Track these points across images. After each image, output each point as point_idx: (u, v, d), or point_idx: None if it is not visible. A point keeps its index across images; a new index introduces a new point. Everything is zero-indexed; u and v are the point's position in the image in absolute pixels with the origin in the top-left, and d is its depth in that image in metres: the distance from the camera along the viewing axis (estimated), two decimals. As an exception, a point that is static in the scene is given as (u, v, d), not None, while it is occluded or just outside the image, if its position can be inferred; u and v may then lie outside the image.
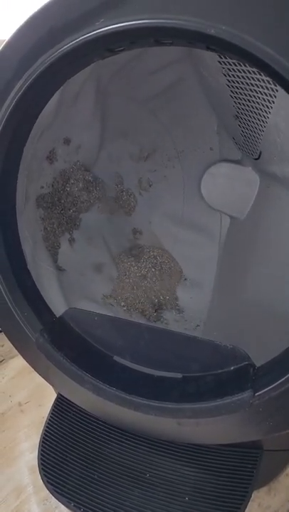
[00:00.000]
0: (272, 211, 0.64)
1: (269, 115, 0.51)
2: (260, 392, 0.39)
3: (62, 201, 0.66)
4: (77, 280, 0.65)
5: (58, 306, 0.54)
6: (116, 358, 0.49)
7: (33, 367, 0.52)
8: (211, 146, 0.73)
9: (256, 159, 0.63)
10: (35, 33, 0.35)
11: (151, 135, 0.74)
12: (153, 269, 0.74)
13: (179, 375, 0.46)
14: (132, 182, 0.78)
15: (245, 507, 0.45)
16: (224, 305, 0.70)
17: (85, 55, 0.36)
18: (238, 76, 0.50)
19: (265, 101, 0.50)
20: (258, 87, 0.48)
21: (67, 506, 0.49)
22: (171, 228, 0.79)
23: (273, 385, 0.38)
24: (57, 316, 0.50)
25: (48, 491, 0.51)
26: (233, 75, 0.51)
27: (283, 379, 0.37)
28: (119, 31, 0.33)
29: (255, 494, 0.60)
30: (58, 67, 0.35)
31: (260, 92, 0.49)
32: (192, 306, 0.74)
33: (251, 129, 0.58)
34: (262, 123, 0.54)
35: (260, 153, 0.61)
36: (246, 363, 0.43)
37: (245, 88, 0.51)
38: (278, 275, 0.60)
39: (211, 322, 0.70)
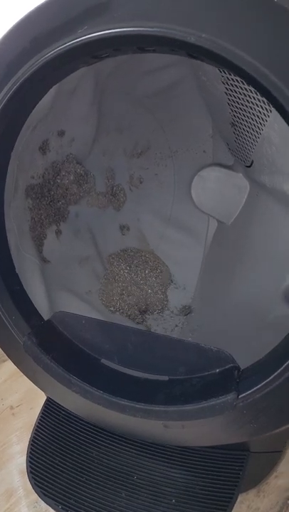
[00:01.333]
0: (259, 219, 0.65)
1: (263, 127, 0.52)
2: (244, 394, 0.39)
3: (52, 193, 0.66)
4: (60, 272, 0.65)
5: (39, 298, 0.54)
6: (103, 360, 0.49)
7: (21, 370, 0.53)
8: (205, 149, 0.73)
9: (248, 167, 0.64)
10: (20, 41, 0.36)
11: (147, 132, 0.75)
12: (144, 275, 0.75)
13: (166, 378, 0.47)
14: (123, 178, 0.78)
15: (232, 508, 0.46)
16: (207, 307, 0.71)
17: (69, 62, 0.37)
18: (236, 86, 0.51)
19: (260, 113, 0.50)
20: (255, 99, 0.49)
21: (55, 509, 0.49)
22: (159, 226, 0.80)
23: (256, 387, 0.38)
24: (44, 319, 0.50)
25: (37, 494, 0.52)
26: (231, 84, 0.51)
27: (266, 381, 0.38)
28: (101, 39, 0.34)
29: (244, 496, 0.60)
30: (42, 75, 0.36)
31: (256, 104, 0.50)
32: (174, 305, 0.75)
33: (245, 137, 0.59)
34: (256, 134, 0.55)
35: (252, 161, 0.62)
36: (231, 365, 0.43)
37: (243, 98, 0.52)
38: (262, 282, 0.61)
39: (193, 323, 0.70)
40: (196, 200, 0.75)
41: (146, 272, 0.75)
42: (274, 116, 0.48)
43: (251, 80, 0.32)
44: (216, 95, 0.57)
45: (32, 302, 0.50)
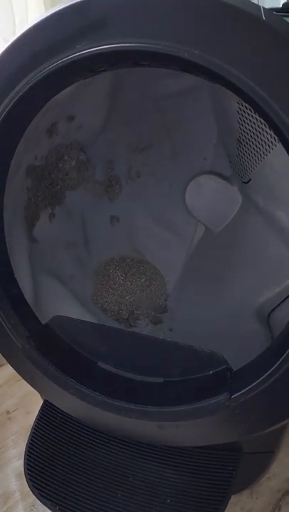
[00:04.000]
0: (245, 235, 0.67)
1: (268, 154, 0.54)
2: (236, 395, 0.41)
3: (53, 176, 0.67)
4: (46, 254, 0.65)
5: (24, 279, 0.55)
6: (100, 363, 0.50)
7: (19, 373, 0.54)
8: (206, 156, 0.74)
9: (245, 183, 0.66)
10: (19, 55, 0.37)
11: (152, 131, 0.75)
12: (140, 284, 0.76)
13: (161, 380, 0.48)
14: (121, 170, 0.79)
15: (225, 508, 0.47)
16: (183, 308, 0.73)
17: (67, 76, 0.38)
18: (249, 109, 0.52)
19: (268, 140, 0.52)
20: (266, 126, 0.51)
21: (52, 510, 0.50)
22: (148, 223, 0.80)
23: (248, 388, 0.40)
24: (42, 323, 0.51)
25: (34, 497, 0.52)
26: (245, 106, 0.52)
27: (257, 382, 0.39)
28: (99, 54, 0.36)
29: (237, 497, 0.61)
30: (40, 88, 0.37)
31: (266, 131, 0.51)
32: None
33: (248, 156, 0.60)
34: (260, 156, 0.57)
35: (250, 179, 0.64)
36: (224, 367, 0.44)
37: (254, 122, 0.53)
38: (239, 296, 0.63)
39: (168, 323, 0.72)
40: (188, 204, 0.76)
41: (143, 280, 0.76)
42: (281, 146, 0.49)
43: (239, 92, 0.33)
44: (228, 111, 0.58)
45: (30, 306, 0.51)
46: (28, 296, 0.53)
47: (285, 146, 0.34)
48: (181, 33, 0.33)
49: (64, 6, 0.36)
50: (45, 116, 0.55)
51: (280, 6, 0.69)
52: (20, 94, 0.38)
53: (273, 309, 0.61)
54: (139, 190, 0.80)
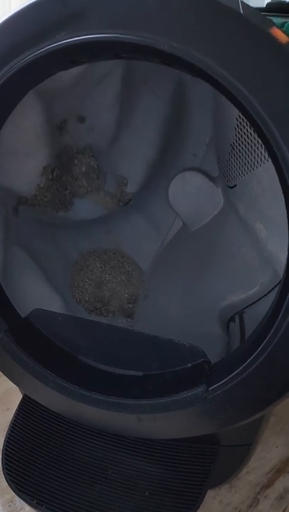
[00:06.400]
0: (221, 238, 0.68)
1: (259, 167, 0.54)
2: (213, 387, 0.41)
3: (64, 178, 0.67)
4: (22, 227, 0.65)
5: None
6: (80, 357, 0.50)
7: (-2, 367, 0.53)
8: (196, 153, 0.74)
9: (230, 187, 0.66)
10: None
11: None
12: (117, 276, 0.76)
13: (140, 373, 0.48)
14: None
15: (202, 500, 0.47)
16: (149, 300, 0.74)
17: (47, 66, 0.38)
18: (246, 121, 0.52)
19: (261, 154, 0.52)
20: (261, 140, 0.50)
21: (30, 504, 0.50)
22: (128, 209, 0.79)
23: (224, 380, 0.40)
24: (22, 317, 0.51)
25: (13, 493, 0.52)
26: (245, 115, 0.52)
27: (233, 374, 0.39)
28: (79, 44, 0.36)
29: (216, 491, 0.62)
30: (19, 78, 0.37)
31: (261, 145, 0.51)
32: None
33: (238, 164, 0.60)
34: (250, 167, 0.57)
35: (235, 185, 0.64)
36: (202, 359, 0.45)
37: (250, 133, 0.53)
38: (205, 296, 0.65)
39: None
40: (170, 197, 0.76)
41: (121, 272, 0.76)
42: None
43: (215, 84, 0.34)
44: (227, 116, 0.58)
45: (9, 299, 0.51)
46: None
47: (272, 159, 0.34)
48: (160, 25, 0.33)
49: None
50: (52, 108, 0.55)
51: (264, 5, 0.70)
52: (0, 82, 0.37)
53: (247, 307, 0.63)
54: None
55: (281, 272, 0.37)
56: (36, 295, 0.62)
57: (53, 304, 0.64)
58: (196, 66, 0.33)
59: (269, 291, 0.60)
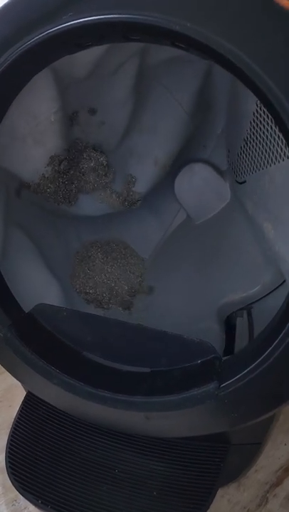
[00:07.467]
0: (225, 234, 0.66)
1: (273, 165, 0.52)
2: (225, 384, 0.40)
3: (72, 172, 0.66)
4: (22, 208, 0.64)
5: None
6: (85, 353, 0.49)
7: (1, 364, 0.52)
8: (206, 144, 0.72)
9: (239, 183, 0.65)
10: (3, 27, 0.36)
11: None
12: (119, 268, 0.74)
13: (148, 370, 0.47)
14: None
15: (212, 501, 0.46)
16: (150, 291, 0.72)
17: (52, 50, 0.37)
18: (267, 115, 0.50)
19: (277, 152, 0.50)
20: (279, 138, 0.49)
21: (34, 504, 0.49)
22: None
23: (237, 377, 0.39)
24: (25, 311, 0.50)
25: (17, 492, 0.51)
26: (264, 111, 0.50)
27: (246, 370, 0.38)
28: (86, 25, 0.34)
29: (224, 490, 0.60)
30: (23, 62, 0.36)
31: (277, 142, 0.49)
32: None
33: (250, 160, 0.58)
34: (262, 164, 0.55)
35: (245, 181, 0.62)
36: (213, 356, 0.43)
37: (267, 129, 0.51)
38: (205, 291, 0.63)
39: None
40: (176, 188, 0.74)
41: (122, 264, 0.75)
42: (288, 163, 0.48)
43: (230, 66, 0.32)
44: (244, 110, 0.56)
45: (12, 294, 0.50)
46: None
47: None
48: (171, 4, 0.32)
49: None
50: (66, 96, 0.54)
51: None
52: (4, 66, 0.36)
53: (254, 302, 0.61)
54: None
55: (287, 273, 0.35)
56: (36, 280, 0.61)
57: (51, 292, 0.63)
58: (210, 48, 0.32)
59: (277, 287, 0.58)
